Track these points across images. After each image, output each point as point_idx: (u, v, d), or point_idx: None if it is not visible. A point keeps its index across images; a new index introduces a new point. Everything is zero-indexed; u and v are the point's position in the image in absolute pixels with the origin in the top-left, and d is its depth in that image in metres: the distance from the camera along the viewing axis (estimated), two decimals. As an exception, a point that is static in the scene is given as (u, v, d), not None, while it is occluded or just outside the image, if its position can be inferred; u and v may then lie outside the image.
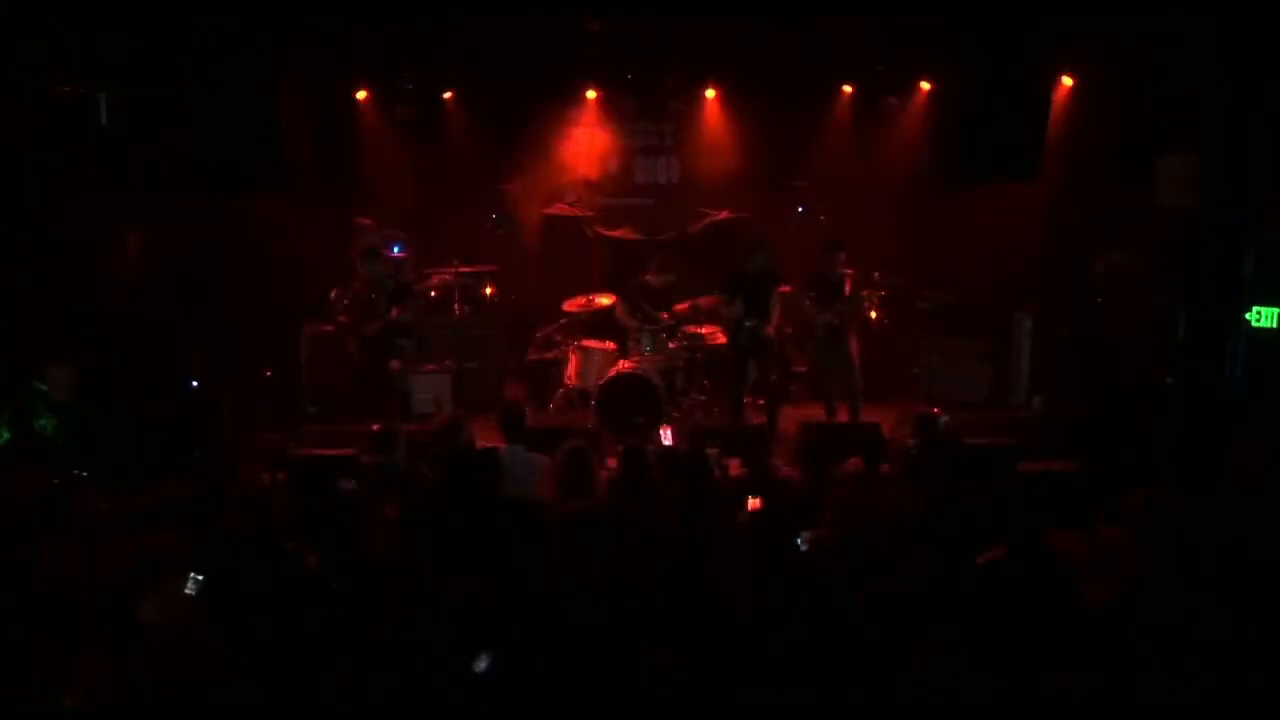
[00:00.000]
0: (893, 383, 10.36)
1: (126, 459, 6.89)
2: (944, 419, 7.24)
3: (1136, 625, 4.34)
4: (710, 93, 11.35)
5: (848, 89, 11.21)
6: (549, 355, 10.46)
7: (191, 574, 4.57)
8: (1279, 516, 5.25)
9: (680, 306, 10.10)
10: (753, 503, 5.73)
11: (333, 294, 9.60)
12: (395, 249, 10.81)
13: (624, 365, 9.42)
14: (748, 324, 9.02)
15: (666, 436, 8.38)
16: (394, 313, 8.97)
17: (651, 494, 5.73)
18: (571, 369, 9.93)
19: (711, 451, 6.68)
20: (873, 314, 10.21)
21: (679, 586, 4.63)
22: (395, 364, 9.10)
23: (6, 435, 6.66)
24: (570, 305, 10.33)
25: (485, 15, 9.24)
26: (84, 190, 7.98)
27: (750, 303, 9.03)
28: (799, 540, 5.16)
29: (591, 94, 11.28)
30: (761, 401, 9.39)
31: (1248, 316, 7.72)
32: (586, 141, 11.42)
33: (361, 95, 10.97)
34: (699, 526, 5.25)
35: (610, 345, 9.92)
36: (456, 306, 10.81)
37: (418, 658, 4.12)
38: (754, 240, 9.44)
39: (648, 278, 9.87)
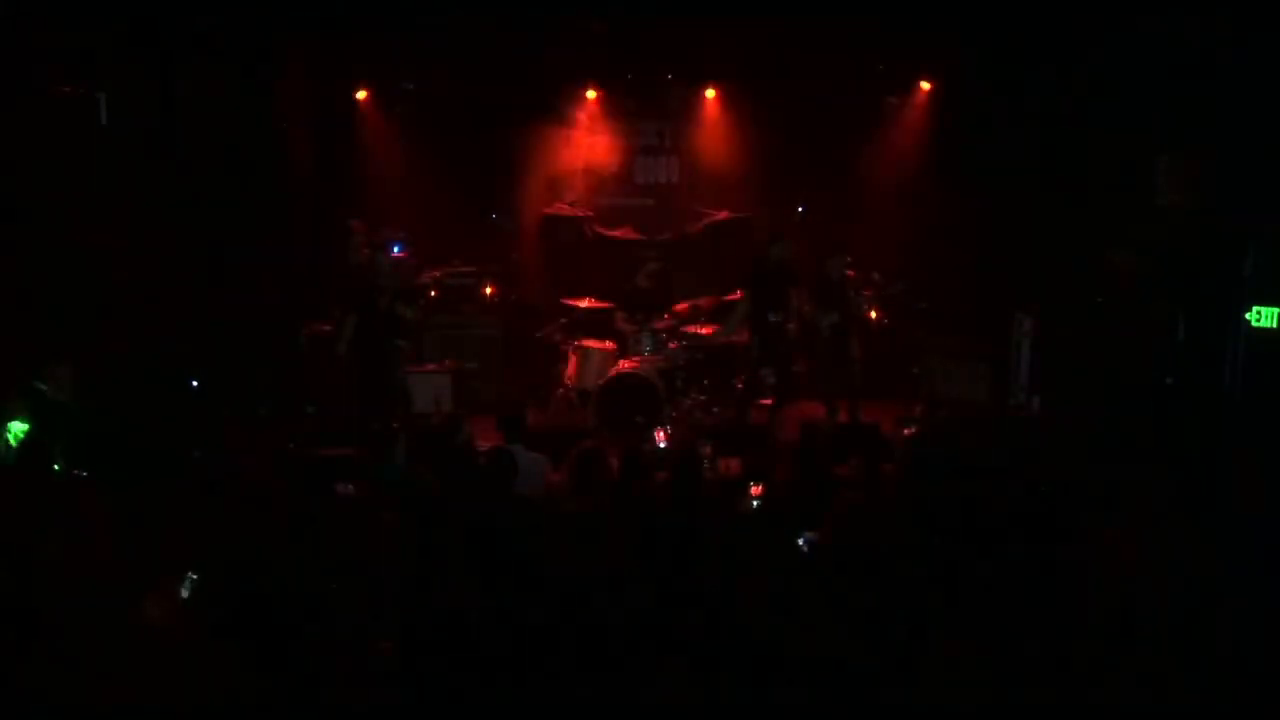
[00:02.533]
0: (893, 383, 10.35)
1: (126, 459, 6.87)
2: (944, 419, 7.25)
3: (1136, 627, 4.33)
4: (710, 93, 11.35)
5: (848, 89, 11.21)
6: (549, 355, 10.45)
7: (189, 574, 4.57)
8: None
9: (680, 307, 10.11)
10: (755, 489, 5.75)
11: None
12: (395, 249, 10.80)
13: (624, 365, 9.42)
14: (772, 319, 8.94)
15: (661, 439, 8.37)
16: (397, 309, 8.94)
17: (650, 494, 5.73)
18: (571, 369, 9.92)
19: (706, 451, 6.68)
20: (873, 314, 10.20)
21: (678, 585, 4.62)
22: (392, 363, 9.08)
23: (22, 430, 6.64)
24: (570, 304, 10.32)
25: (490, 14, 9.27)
26: (84, 190, 7.97)
27: (770, 298, 8.96)
28: (800, 541, 5.16)
29: (591, 94, 11.28)
30: (767, 402, 9.36)
31: (1248, 316, 7.70)
32: (586, 141, 11.41)
33: (361, 95, 10.98)
34: (694, 524, 5.25)
35: (610, 345, 9.92)
36: (456, 306, 10.80)
37: (417, 657, 4.12)
38: (772, 231, 9.43)
39: (639, 281, 9.92)
